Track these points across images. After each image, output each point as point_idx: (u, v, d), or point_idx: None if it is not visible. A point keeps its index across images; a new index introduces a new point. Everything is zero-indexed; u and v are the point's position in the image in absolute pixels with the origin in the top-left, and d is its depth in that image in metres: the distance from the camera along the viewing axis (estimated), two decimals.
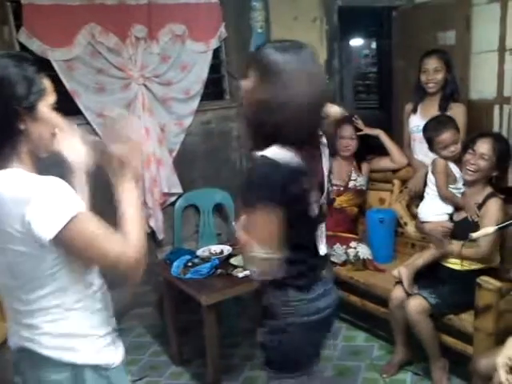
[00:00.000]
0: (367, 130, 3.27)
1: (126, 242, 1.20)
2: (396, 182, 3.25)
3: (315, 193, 1.49)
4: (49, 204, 1.12)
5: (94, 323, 1.29)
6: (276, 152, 1.34)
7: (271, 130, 1.36)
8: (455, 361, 2.52)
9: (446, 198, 2.61)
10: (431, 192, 2.69)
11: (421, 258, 2.61)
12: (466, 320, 2.38)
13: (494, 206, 2.41)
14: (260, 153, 1.35)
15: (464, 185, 2.59)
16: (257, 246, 1.33)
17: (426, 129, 2.75)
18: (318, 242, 1.56)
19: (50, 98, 1.23)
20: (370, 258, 2.98)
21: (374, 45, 7.28)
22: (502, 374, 1.00)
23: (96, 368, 1.28)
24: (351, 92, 6.79)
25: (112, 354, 1.32)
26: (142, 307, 3.50)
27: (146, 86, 3.25)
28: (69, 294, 1.23)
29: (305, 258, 1.53)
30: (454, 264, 2.55)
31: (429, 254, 2.60)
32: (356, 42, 8.04)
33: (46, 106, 1.21)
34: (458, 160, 2.62)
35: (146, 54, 3.22)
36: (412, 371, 2.69)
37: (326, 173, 1.56)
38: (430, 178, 2.70)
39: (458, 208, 2.59)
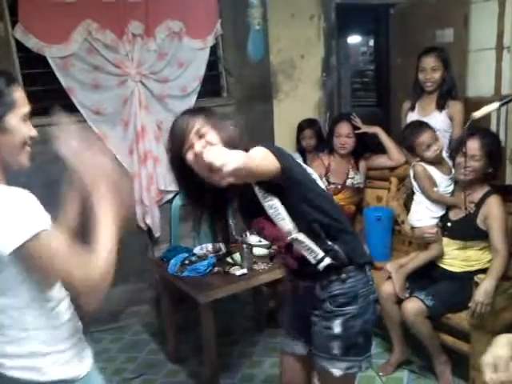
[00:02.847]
0: (365, 128, 3.25)
1: (91, 263, 1.16)
2: (393, 179, 3.24)
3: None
4: (12, 216, 1.08)
5: (55, 339, 1.25)
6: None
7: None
8: (452, 359, 2.52)
9: (434, 200, 2.59)
10: (417, 198, 2.68)
11: (416, 261, 2.60)
12: (463, 319, 2.38)
13: (496, 205, 2.39)
14: None
15: (456, 184, 2.58)
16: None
17: (403, 137, 2.70)
18: None
19: (22, 109, 1.21)
20: None
21: (371, 42, 7.25)
22: (487, 373, 0.99)
23: (62, 383, 1.25)
24: (349, 89, 6.78)
25: (78, 365, 1.28)
26: (139, 305, 3.50)
27: (142, 82, 3.23)
28: (25, 311, 1.19)
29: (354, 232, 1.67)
30: (449, 266, 2.56)
31: (424, 256, 2.59)
32: (353, 39, 8.03)
33: (15, 117, 1.19)
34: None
35: (142, 51, 3.20)
36: (409, 369, 2.69)
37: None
38: (413, 184, 2.68)
39: (452, 207, 2.57)
